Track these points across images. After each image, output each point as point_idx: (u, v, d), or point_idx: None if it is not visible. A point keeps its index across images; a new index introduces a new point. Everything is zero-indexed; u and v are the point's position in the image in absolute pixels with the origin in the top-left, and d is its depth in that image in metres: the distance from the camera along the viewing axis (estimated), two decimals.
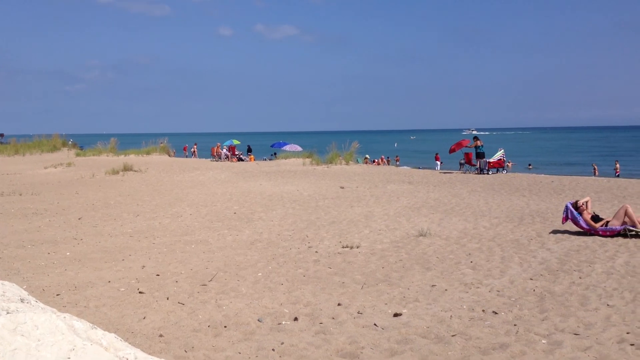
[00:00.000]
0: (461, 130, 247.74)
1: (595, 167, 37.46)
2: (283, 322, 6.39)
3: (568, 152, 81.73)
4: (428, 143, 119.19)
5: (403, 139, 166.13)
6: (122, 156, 40.28)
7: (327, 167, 30.56)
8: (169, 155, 46.02)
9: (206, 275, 8.56)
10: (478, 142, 28.40)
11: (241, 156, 42.72)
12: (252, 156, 44.05)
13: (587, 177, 26.79)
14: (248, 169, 31.11)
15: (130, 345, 2.84)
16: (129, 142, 57.29)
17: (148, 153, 43.63)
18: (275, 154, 45.83)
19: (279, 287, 7.92)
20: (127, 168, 27.47)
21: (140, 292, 7.67)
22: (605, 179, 24.53)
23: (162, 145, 46.25)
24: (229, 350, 5.53)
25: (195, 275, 8.58)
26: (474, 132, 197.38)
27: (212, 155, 43.83)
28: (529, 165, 45.81)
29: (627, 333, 5.89)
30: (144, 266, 9.23)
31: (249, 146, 47.66)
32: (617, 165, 36.11)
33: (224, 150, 42.45)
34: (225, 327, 6.23)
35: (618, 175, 32.55)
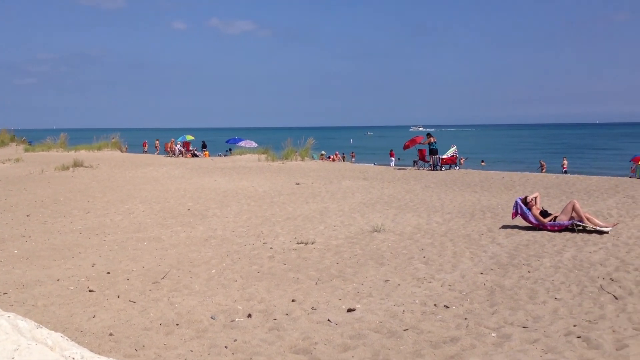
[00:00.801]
0: (408, 127, 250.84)
1: (543, 163, 38.35)
2: (236, 319, 6.35)
3: (518, 148, 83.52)
4: (384, 139, 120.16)
5: (359, 135, 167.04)
6: (73, 152, 39.50)
7: (283, 163, 30.50)
8: (121, 151, 45.32)
9: (158, 273, 8.44)
10: (431, 138, 28.78)
11: (195, 152, 42.29)
12: (206, 152, 43.66)
13: (537, 174, 27.49)
14: (203, 165, 30.81)
15: (77, 344, 2.79)
16: (80, 137, 56.04)
17: (99, 148, 42.88)
18: (230, 150, 45.52)
19: (233, 284, 7.88)
20: (77, 164, 26.88)
21: (90, 291, 7.52)
22: (553, 175, 25.18)
23: (114, 140, 45.51)
24: (180, 348, 5.47)
25: (147, 273, 8.45)
26: (421, 129, 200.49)
27: (166, 151, 43.30)
28: (482, 162, 46.62)
29: (574, 326, 6.05)
30: (94, 264, 9.06)
31: (203, 142, 47.23)
32: (565, 162, 37.07)
33: (178, 146, 41.96)
34: (177, 325, 6.16)
35: (565, 172, 33.43)
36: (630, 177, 26.38)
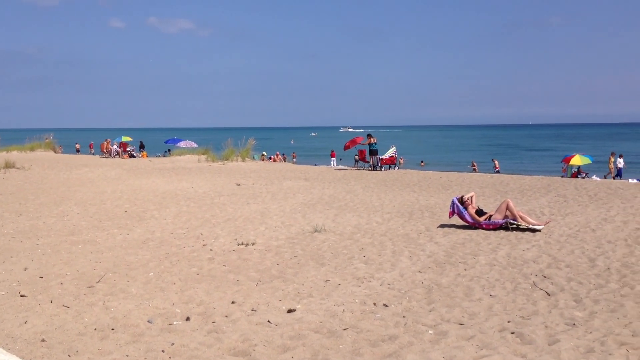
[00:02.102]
0: (338, 128, 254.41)
1: (475, 164, 39.30)
2: (174, 323, 6.24)
3: (455, 149, 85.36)
4: (328, 140, 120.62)
5: (302, 136, 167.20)
6: (4, 152, 38.14)
7: (223, 164, 30.26)
8: (55, 152, 44.06)
9: (94, 277, 8.22)
10: (371, 139, 29.08)
11: (133, 152, 41.44)
12: (144, 152, 42.83)
13: (473, 174, 28.19)
14: (140, 165, 30.22)
15: (5, 351, 2.69)
16: (11, 137, 54.03)
17: (32, 149, 41.66)
18: (169, 150, 44.83)
19: (171, 287, 7.74)
20: (9, 165, 25.95)
21: (21, 296, 7.26)
22: (488, 175, 25.88)
23: (47, 141, 44.28)
24: (115, 353, 5.34)
25: (81, 277, 8.22)
26: (350, 130, 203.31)
27: (102, 152, 42.25)
28: (422, 162, 47.43)
29: (508, 322, 6.22)
30: (26, 268, 8.74)
31: (141, 142, 46.35)
32: (496, 163, 38.15)
33: (115, 146, 41.02)
34: (112, 329, 6.01)
35: (498, 171, 34.41)
36: (562, 177, 27.40)
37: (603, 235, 11.01)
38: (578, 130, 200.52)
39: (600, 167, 36.33)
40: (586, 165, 31.13)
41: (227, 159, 31.74)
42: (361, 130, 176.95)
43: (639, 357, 5.17)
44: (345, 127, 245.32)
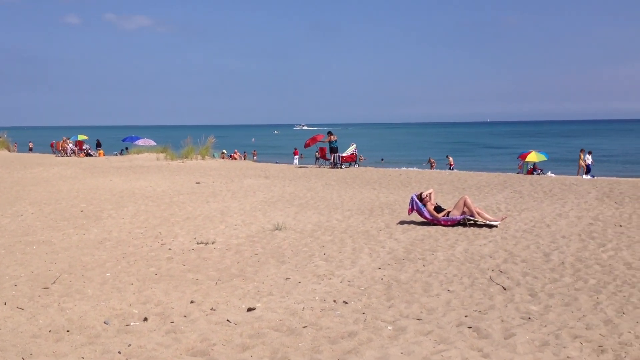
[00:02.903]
0: (292, 125, 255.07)
1: (432, 161, 39.65)
2: (132, 323, 6.15)
3: (413, 147, 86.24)
4: (289, 138, 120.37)
5: (264, 134, 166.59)
6: None
7: (183, 162, 29.97)
8: (9, 151, 43.03)
9: (49, 278, 8.04)
10: (332, 137, 29.16)
11: (89, 151, 40.70)
12: (101, 151, 42.13)
13: (432, 171, 28.55)
14: (97, 164, 29.71)
15: None
16: None
17: None
18: (127, 148, 44.20)
19: (129, 287, 7.62)
20: None
21: None
22: (447, 172, 26.24)
23: (1, 139, 43.20)
24: (71, 355, 5.23)
25: (36, 278, 8.03)
26: (305, 128, 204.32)
27: (57, 150, 41.38)
28: (382, 159, 47.76)
29: (465, 316, 6.32)
30: None
31: (98, 140, 45.52)
32: (450, 159, 38.63)
33: (70, 145, 40.20)
34: (68, 331, 5.88)
35: (452, 168, 34.82)
36: (518, 174, 27.88)
37: (557, 231, 11.27)
38: (535, 128, 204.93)
39: (556, 164, 37.15)
40: (541, 162, 31.74)
41: (186, 157, 31.45)
42: (315, 128, 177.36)
43: (593, 349, 5.31)
44: (300, 125, 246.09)
